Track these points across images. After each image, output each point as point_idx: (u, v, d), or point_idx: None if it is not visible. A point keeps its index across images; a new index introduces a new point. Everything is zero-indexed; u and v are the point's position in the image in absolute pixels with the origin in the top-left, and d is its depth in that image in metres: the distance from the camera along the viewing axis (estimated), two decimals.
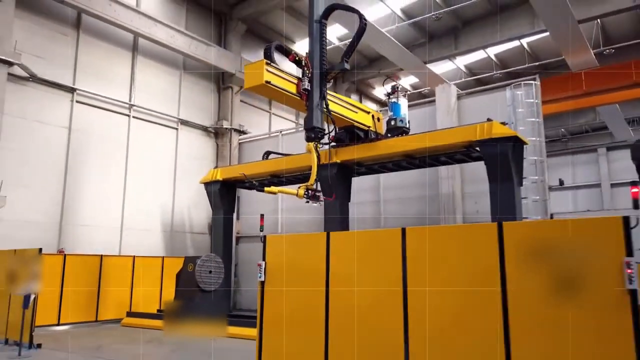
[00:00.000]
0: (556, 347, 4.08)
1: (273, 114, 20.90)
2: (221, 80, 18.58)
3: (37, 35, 13.30)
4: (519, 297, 4.23)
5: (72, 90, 13.96)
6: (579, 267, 3.99)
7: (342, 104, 10.77)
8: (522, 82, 11.29)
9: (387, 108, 12.09)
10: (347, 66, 9.86)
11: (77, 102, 14.07)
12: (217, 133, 18.25)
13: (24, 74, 12.76)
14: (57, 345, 9.50)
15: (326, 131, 10.00)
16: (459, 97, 13.17)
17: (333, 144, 11.27)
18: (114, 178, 14.84)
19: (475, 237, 4.64)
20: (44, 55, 13.40)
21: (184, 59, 17.16)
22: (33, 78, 13.01)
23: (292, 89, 9.52)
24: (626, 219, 3.83)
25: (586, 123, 29.93)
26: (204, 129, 17.94)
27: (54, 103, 13.61)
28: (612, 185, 29.31)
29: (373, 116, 11.81)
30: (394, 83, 12.40)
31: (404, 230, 5.18)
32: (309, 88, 9.38)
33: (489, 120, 9.73)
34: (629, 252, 3.76)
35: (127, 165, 15.22)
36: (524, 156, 10.21)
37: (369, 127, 11.54)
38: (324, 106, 9.50)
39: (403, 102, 11.63)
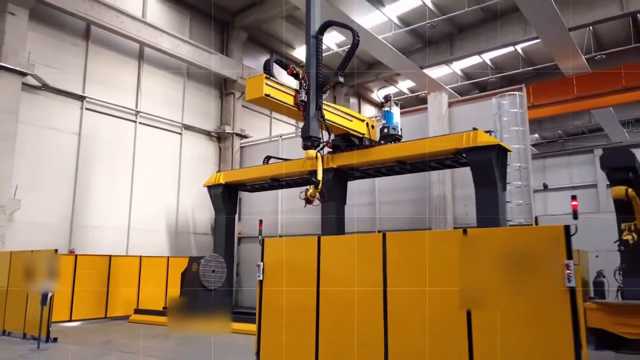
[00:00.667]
0: (512, 337, 4.73)
1: (274, 118, 21.56)
2: (223, 87, 19.25)
3: (49, 47, 14.00)
4: (480, 295, 4.89)
5: (81, 98, 14.66)
6: (530, 268, 4.63)
7: (337, 113, 11.39)
8: (507, 93, 11.92)
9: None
10: (341, 79, 10.44)
11: (86, 109, 14.77)
12: (219, 137, 18.93)
13: (36, 83, 13.47)
14: (71, 339, 10.17)
15: (323, 139, 10.62)
16: (450, 104, 13.80)
17: (330, 150, 11.92)
18: (121, 181, 15.55)
19: (443, 242, 5.28)
20: (55, 65, 14.10)
21: (188, 67, 17.83)
22: (45, 87, 13.71)
23: (290, 100, 10.14)
24: (567, 228, 4.48)
25: (582, 125, 30.42)
26: (207, 133, 18.62)
27: (65, 110, 14.31)
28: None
29: (367, 124, 12.43)
30: (387, 92, 12.97)
31: (384, 235, 5.82)
32: (305, 100, 9.98)
33: (474, 129, 10.36)
34: (569, 256, 4.41)
35: (133, 168, 15.92)
36: (509, 162, 10.86)
37: (363, 134, 12.15)
38: (321, 116, 10.12)
39: (395, 111, 12.22)
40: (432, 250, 5.28)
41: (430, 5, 18.91)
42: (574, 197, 5.28)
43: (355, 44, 10.34)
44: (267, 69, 10.03)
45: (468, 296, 4.92)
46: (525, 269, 4.66)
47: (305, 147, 10.21)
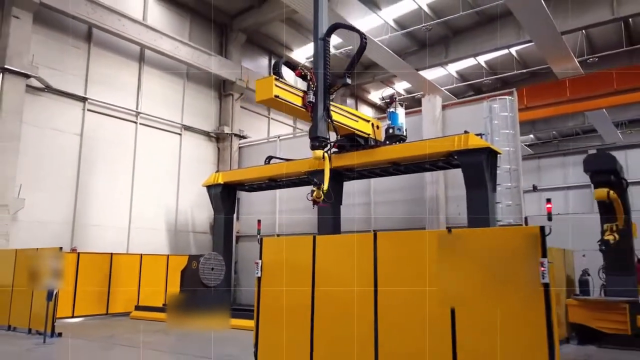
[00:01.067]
0: (493, 331, 5.09)
1: (272, 118, 21.89)
2: (222, 88, 19.57)
3: (52, 49, 14.31)
4: (461, 293, 5.27)
5: (83, 99, 14.98)
6: (509, 266, 5.01)
7: (344, 114, 11.52)
8: (498, 97, 12.29)
9: (384, 114, 12.87)
10: (349, 81, 10.54)
11: (88, 110, 15.09)
12: (218, 138, 19.26)
13: (40, 85, 13.77)
14: (74, 334, 10.51)
15: (330, 140, 10.61)
16: (443, 107, 14.15)
17: (335, 150, 12.09)
18: (122, 181, 15.88)
19: (432, 242, 5.64)
20: (58, 67, 14.41)
21: (188, 68, 18.13)
22: (48, 89, 14.02)
23: (298, 101, 10.28)
24: (542, 229, 4.84)
25: (576, 126, 30.79)
26: (206, 134, 18.96)
27: (67, 112, 14.63)
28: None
29: (372, 124, 12.60)
30: (391, 93, 13.05)
31: (375, 234, 6.18)
32: (313, 101, 10.11)
33: (466, 132, 10.71)
34: (544, 254, 4.78)
35: (134, 168, 16.25)
36: (499, 164, 11.23)
37: (368, 134, 12.29)
38: (328, 117, 10.19)
39: (400, 112, 12.31)
40: (420, 249, 5.64)
41: (425, 8, 19.27)
42: (548, 200, 5.66)
43: (362, 47, 10.50)
44: (276, 70, 10.17)
45: (450, 294, 5.29)
46: (504, 268, 5.02)
47: (313, 148, 10.27)
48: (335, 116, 10.73)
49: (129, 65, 16.47)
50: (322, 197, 10.12)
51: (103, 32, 15.21)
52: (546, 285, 4.72)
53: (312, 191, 10.27)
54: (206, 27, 19.02)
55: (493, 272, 5.09)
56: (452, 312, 5.31)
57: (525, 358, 4.89)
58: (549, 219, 4.80)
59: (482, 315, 5.15)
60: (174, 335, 10.80)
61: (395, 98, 12.48)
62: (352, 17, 18.24)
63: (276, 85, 9.91)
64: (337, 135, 10.81)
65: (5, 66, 12.71)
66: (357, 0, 18.35)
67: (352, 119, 11.81)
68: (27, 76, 13.21)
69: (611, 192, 8.51)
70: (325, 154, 10.39)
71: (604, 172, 8.64)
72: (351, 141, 12.06)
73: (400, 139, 12.15)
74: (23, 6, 13.10)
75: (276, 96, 9.87)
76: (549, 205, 5.38)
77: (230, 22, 19.69)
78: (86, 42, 15.26)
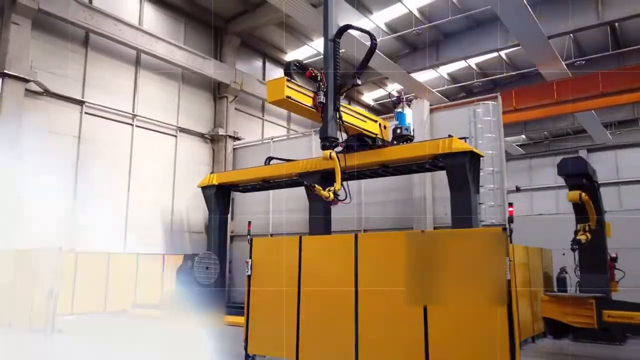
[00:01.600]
0: (461, 326, 5.54)
1: (266, 120, 22.29)
2: (217, 90, 19.96)
3: (50, 54, 14.67)
4: (431, 292, 5.73)
5: (81, 102, 15.35)
6: (476, 265, 5.45)
7: (352, 114, 11.69)
8: (482, 102, 12.74)
9: (377, 115, 13.09)
10: (359, 82, 10.74)
11: (85, 113, 15.46)
12: (213, 139, 19.66)
13: (38, 89, 14.13)
14: (74, 330, 10.90)
15: (340, 140, 10.71)
16: (431, 110, 14.59)
17: (343, 150, 12.37)
18: (119, 182, 16.25)
19: (398, 243, 6.08)
20: (56, 71, 14.77)
21: (183, 71, 18.51)
22: (46, 93, 14.39)
23: (309, 102, 10.44)
24: (504, 229, 5.30)
25: (567, 126, 31.26)
26: (201, 135, 19.34)
27: (65, 115, 14.99)
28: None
29: (380, 124, 12.75)
30: (399, 94, 13.21)
31: (356, 236, 6.62)
32: (324, 101, 10.28)
33: (450, 136, 11.16)
34: (507, 253, 5.23)
35: (130, 170, 16.62)
36: (482, 167, 11.67)
37: (376, 134, 12.46)
38: (338, 117, 10.35)
39: (408, 112, 12.47)
40: (396, 249, 6.07)
41: (416, 12, 19.69)
42: (510, 204, 6.12)
43: (373, 48, 10.69)
44: (288, 72, 10.38)
45: (422, 292, 5.74)
46: (472, 266, 5.47)
47: (324, 148, 10.40)
48: (344, 116, 10.88)
49: (125, 69, 16.83)
50: (332, 196, 10.19)
51: (100, 37, 15.59)
52: (507, 282, 5.17)
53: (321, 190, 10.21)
54: (201, 31, 19.41)
55: (462, 270, 5.53)
56: (425, 309, 5.75)
57: (489, 351, 5.34)
58: (510, 221, 5.23)
59: (452, 311, 5.60)
60: (171, 332, 11.18)
61: (403, 98, 12.68)
62: (344, 21, 18.52)
63: (288, 87, 10.11)
64: (347, 135, 11.02)
65: (5, 71, 13.07)
66: (349, 5, 18.75)
67: (360, 119, 11.97)
68: (26, 80, 13.58)
69: (583, 194, 8.98)
70: (334, 154, 10.44)
71: (577, 176, 9.11)
72: (359, 141, 12.22)
73: (408, 139, 12.26)
74: (22, 13, 13.46)
75: (288, 97, 10.05)
76: (510, 209, 5.83)
77: (224, 26, 20.07)
78: (83, 46, 15.62)
